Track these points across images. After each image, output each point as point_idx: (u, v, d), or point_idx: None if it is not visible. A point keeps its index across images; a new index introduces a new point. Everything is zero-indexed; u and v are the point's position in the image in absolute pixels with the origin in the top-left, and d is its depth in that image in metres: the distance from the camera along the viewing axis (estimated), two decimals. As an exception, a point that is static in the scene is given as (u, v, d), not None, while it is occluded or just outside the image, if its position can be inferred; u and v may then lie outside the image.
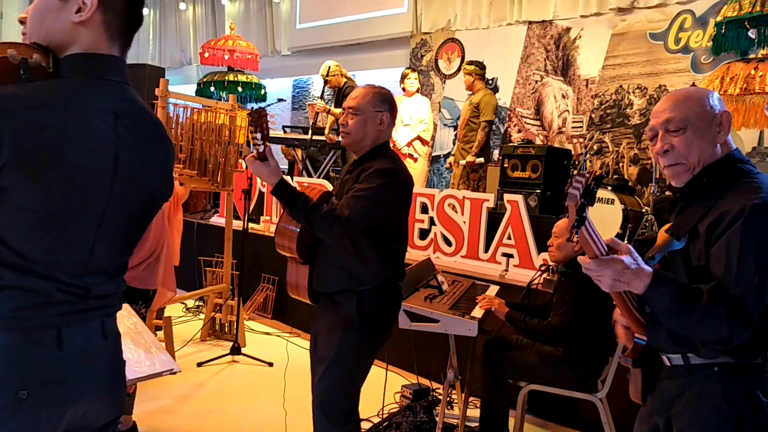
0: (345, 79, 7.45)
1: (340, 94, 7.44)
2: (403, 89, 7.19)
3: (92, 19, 1.41)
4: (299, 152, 7.87)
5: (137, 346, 2.64)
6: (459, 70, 8.67)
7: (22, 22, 1.47)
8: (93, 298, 1.43)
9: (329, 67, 7.28)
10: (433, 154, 8.66)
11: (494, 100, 6.85)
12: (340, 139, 3.08)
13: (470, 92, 6.97)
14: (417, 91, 7.23)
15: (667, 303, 1.64)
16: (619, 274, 1.61)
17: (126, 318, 2.66)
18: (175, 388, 4.43)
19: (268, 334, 5.96)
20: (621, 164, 7.18)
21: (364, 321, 2.67)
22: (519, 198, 5.00)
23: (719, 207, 1.72)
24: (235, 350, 5.15)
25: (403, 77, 7.19)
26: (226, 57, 9.09)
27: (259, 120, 2.42)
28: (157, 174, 1.54)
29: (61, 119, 1.31)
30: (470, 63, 6.99)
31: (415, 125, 7.05)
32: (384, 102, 2.76)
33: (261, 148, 2.47)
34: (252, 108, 2.75)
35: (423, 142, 7.14)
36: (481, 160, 6.73)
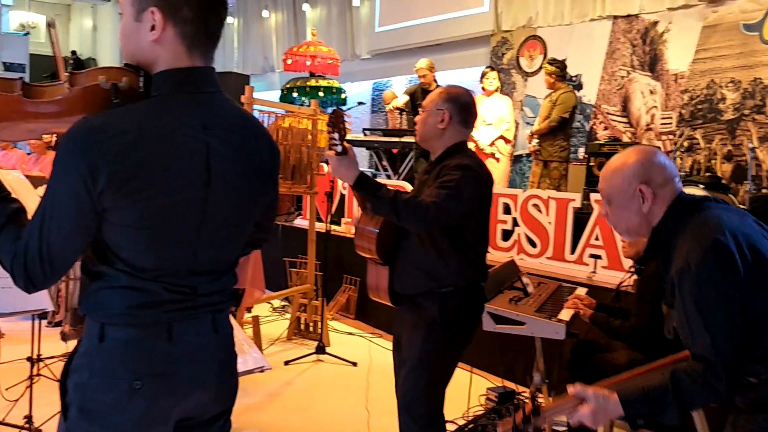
0: (436, 84, 7.48)
1: (424, 96, 7.46)
2: (483, 88, 7.13)
3: (165, 35, 1.43)
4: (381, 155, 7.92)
5: (229, 344, 2.72)
6: (541, 67, 8.52)
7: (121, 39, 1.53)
8: (201, 296, 1.49)
9: (424, 63, 7.37)
10: (515, 153, 8.55)
11: (573, 98, 6.69)
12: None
13: (551, 90, 6.85)
14: (496, 90, 7.16)
15: (647, 412, 1.75)
16: (594, 418, 1.77)
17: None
18: (264, 385, 4.54)
19: (351, 334, 6.02)
20: (713, 161, 6.89)
21: (446, 323, 2.66)
22: (606, 197, 4.86)
23: (673, 265, 1.81)
24: (320, 349, 5.23)
25: (483, 76, 7.13)
26: (308, 63, 9.25)
27: (336, 120, 2.45)
28: (257, 175, 1.56)
29: (149, 140, 1.37)
30: (551, 63, 6.85)
31: (497, 124, 6.97)
32: (447, 101, 2.73)
33: (339, 148, 2.49)
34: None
35: (506, 141, 7.07)
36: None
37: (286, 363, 5.05)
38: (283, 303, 6.78)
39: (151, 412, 1.43)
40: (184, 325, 1.47)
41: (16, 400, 3.79)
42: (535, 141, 6.68)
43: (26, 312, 3.08)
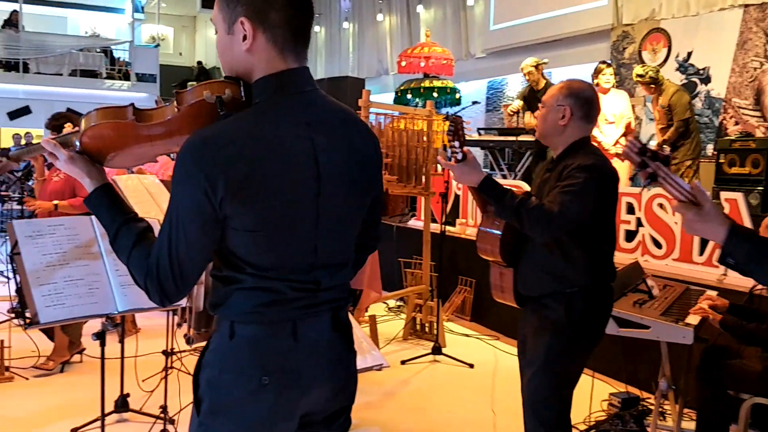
0: (545, 81, 7.31)
1: (534, 95, 7.31)
2: (597, 85, 6.78)
3: (257, 42, 1.47)
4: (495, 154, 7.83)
5: (349, 342, 2.78)
6: (666, 60, 8.18)
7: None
8: (323, 291, 1.54)
9: (530, 60, 7.22)
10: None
11: (686, 95, 6.34)
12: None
13: (654, 94, 6.48)
14: (612, 86, 6.80)
15: (745, 255, 1.67)
16: (695, 219, 1.67)
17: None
18: (381, 384, 4.60)
19: (467, 335, 5.99)
20: None
21: (573, 325, 2.59)
22: (738, 196, 4.60)
23: None
24: (436, 350, 5.24)
25: (597, 72, 6.76)
26: (422, 64, 9.29)
27: (456, 128, 2.45)
28: (363, 168, 1.60)
29: (257, 145, 1.42)
30: (641, 75, 6.44)
31: (619, 121, 6.70)
32: (568, 96, 2.66)
33: (459, 156, 2.50)
34: (447, 113, 2.80)
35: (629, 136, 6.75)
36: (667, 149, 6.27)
37: (403, 362, 5.09)
38: (399, 303, 6.84)
39: (278, 407, 1.49)
40: (307, 322, 1.52)
41: (152, 391, 4.03)
42: (666, 149, 6.37)
43: (162, 308, 3.26)
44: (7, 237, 2.86)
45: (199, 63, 20.37)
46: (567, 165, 2.60)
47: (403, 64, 9.41)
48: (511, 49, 10.68)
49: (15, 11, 16.91)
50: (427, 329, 5.83)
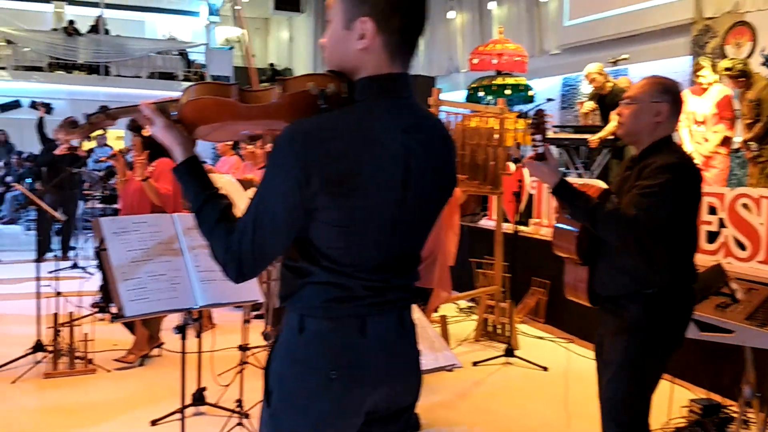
0: (611, 84, 7.10)
1: (602, 100, 7.12)
2: (697, 83, 6.44)
3: (374, 44, 1.48)
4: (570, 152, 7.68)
5: (422, 341, 2.77)
6: (750, 55, 7.84)
7: (322, 46, 1.59)
8: (391, 291, 1.56)
9: (594, 67, 7.01)
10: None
11: None
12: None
13: (742, 88, 6.15)
14: (713, 83, 6.43)
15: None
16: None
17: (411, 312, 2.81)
18: (453, 385, 4.58)
19: (540, 338, 5.90)
20: None
21: (652, 326, 2.52)
22: (830, 195, 4.37)
23: None
24: (509, 352, 5.17)
25: (696, 69, 6.41)
26: (495, 61, 9.19)
27: (539, 122, 2.43)
28: (444, 176, 1.62)
29: (357, 144, 1.44)
30: (729, 68, 6.11)
31: (711, 122, 6.35)
32: (664, 93, 2.58)
33: (540, 149, 2.48)
34: (523, 111, 2.76)
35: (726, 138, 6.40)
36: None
37: (475, 364, 5.04)
38: (470, 304, 6.79)
39: (345, 402, 1.51)
40: (375, 320, 1.53)
41: (227, 385, 4.12)
42: (753, 146, 6.08)
43: (239, 303, 3.33)
44: (93, 234, 2.96)
45: (271, 65, 20.73)
46: (648, 164, 2.53)
47: (475, 61, 9.33)
48: (587, 45, 10.45)
49: (99, 17, 17.61)
50: (499, 331, 5.76)
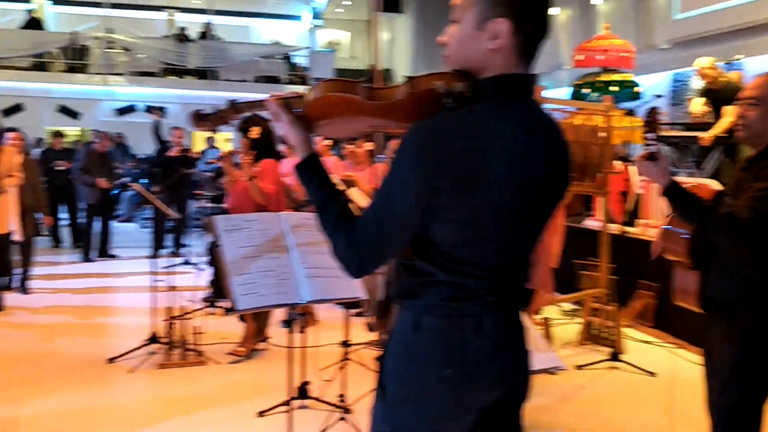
0: (724, 79, 6.75)
1: (714, 96, 6.78)
2: None
3: (506, 44, 1.49)
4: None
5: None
6: None
7: (442, 44, 1.60)
8: (506, 291, 1.55)
9: (705, 61, 6.69)
10: None
11: None
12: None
13: None
14: None
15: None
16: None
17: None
18: (556, 387, 4.48)
19: (648, 342, 5.69)
20: None
21: (765, 333, 2.38)
22: None
23: None
24: (615, 356, 5.02)
25: None
26: (600, 57, 8.94)
27: (653, 120, 2.35)
28: (561, 178, 1.61)
29: (482, 142, 1.44)
30: None
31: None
32: None
33: (653, 149, 2.41)
34: (630, 108, 2.67)
35: None
36: None
37: (579, 367, 4.92)
38: (574, 306, 6.63)
39: (459, 400, 1.52)
40: (490, 319, 1.53)
41: (330, 380, 4.20)
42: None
43: (343, 299, 3.39)
44: (202, 232, 3.09)
45: (372, 66, 20.95)
46: (766, 164, 2.39)
47: (580, 57, 9.11)
48: (698, 38, 10.00)
49: (208, 23, 18.36)
50: (604, 334, 5.59)
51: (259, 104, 1.72)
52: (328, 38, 21.97)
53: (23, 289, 6.93)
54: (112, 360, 4.85)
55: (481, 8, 1.49)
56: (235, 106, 1.79)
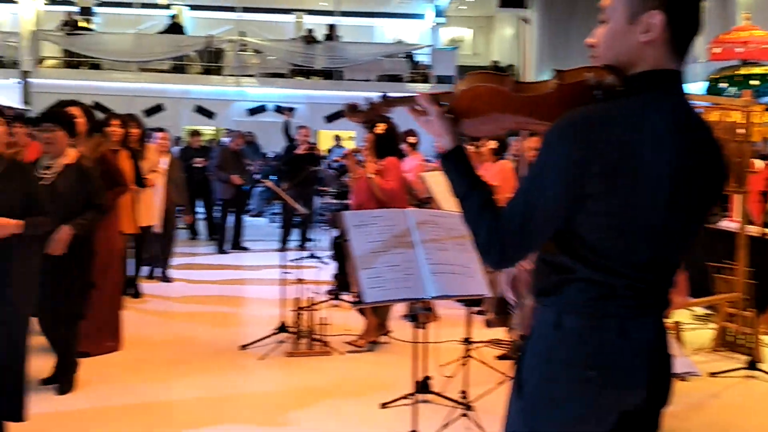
0: None
1: None
2: None
3: (660, 38, 1.47)
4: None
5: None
6: None
7: (591, 46, 1.60)
8: (652, 294, 1.52)
9: None
10: None
11: None
12: None
13: None
14: None
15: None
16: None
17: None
18: (686, 394, 4.30)
19: (789, 352, 5.34)
20: None
21: None
22: None
23: None
24: (752, 365, 4.74)
25: None
26: (739, 50, 8.44)
27: None
28: (717, 178, 1.56)
29: (635, 134, 1.43)
30: None
31: None
32: None
33: None
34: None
35: None
36: None
37: (712, 375, 4.69)
38: (707, 311, 6.31)
39: (600, 403, 1.49)
40: (633, 321, 1.49)
41: (451, 377, 4.24)
42: None
43: (469, 296, 3.42)
44: (327, 227, 3.22)
45: (495, 62, 20.76)
46: None
47: (717, 50, 8.64)
48: None
49: (332, 25, 18.83)
50: (740, 341, 5.30)
51: (409, 99, 1.77)
52: (450, 36, 21.96)
53: (165, 278, 7.41)
54: (244, 347, 5.11)
55: (632, 2, 1.48)
56: (387, 100, 1.86)
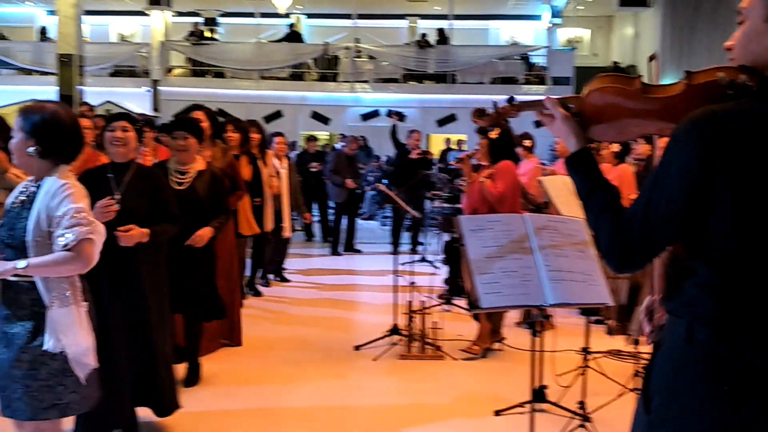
0: None
1: None
2: None
3: None
4: None
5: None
6: None
7: (728, 49, 1.55)
8: None
9: None
10: None
11: None
12: None
13: None
14: None
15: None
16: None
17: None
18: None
19: None
20: None
21: None
22: None
23: None
24: None
25: None
26: None
27: None
28: None
29: (760, 131, 1.37)
30: None
31: None
32: None
33: None
34: None
35: None
36: None
37: None
38: None
39: (734, 421, 1.40)
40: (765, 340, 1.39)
41: (568, 387, 4.11)
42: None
43: (589, 304, 3.32)
44: (438, 231, 3.19)
45: (615, 63, 20.09)
46: None
47: None
48: None
49: (441, 29, 18.83)
50: None
51: (536, 102, 1.77)
52: (567, 36, 21.46)
53: (282, 279, 7.63)
54: (357, 348, 5.18)
55: None
56: (513, 104, 1.85)
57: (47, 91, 13.61)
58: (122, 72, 19.22)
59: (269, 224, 6.58)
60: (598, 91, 1.61)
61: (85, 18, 12.82)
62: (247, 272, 6.73)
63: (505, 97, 1.91)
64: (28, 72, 18.79)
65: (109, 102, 15.37)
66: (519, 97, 1.87)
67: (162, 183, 3.63)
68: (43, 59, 17.37)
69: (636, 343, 4.41)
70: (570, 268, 2.99)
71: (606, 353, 4.90)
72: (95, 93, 14.55)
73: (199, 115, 4.82)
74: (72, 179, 2.52)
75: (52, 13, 17.63)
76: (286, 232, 7.09)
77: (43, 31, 19.86)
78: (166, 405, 3.55)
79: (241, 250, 5.82)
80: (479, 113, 1.91)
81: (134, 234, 3.21)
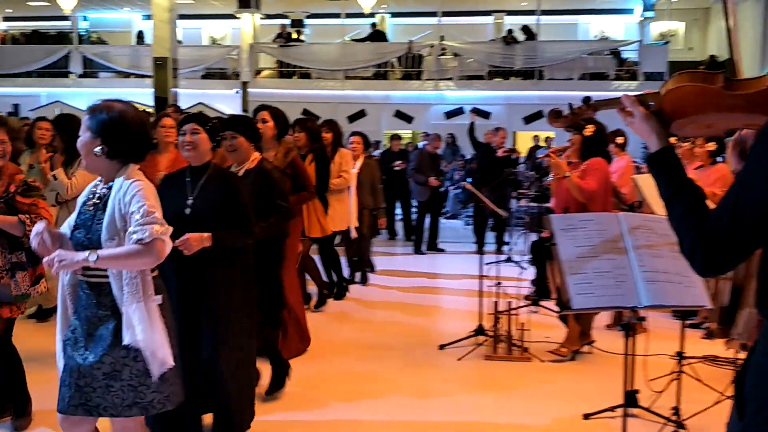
0: None
1: None
2: None
3: None
4: None
5: None
6: None
7: None
8: None
9: None
10: None
11: None
12: None
13: None
14: None
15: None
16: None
17: None
18: None
19: None
20: None
21: None
22: None
23: None
24: None
25: None
26: None
27: None
28: None
29: None
30: None
31: None
32: None
33: None
34: None
35: None
36: None
37: None
38: None
39: None
40: None
41: (661, 392, 3.97)
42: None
43: (686, 307, 3.19)
44: (525, 231, 3.13)
45: (712, 57, 19.24)
46: None
47: None
48: None
49: (526, 26, 18.49)
50: None
51: (613, 101, 1.72)
52: (660, 30, 20.70)
53: (363, 281, 7.61)
54: (442, 347, 5.17)
55: None
56: (589, 104, 1.81)
57: (144, 93, 14.17)
58: (213, 74, 19.82)
59: (341, 224, 6.51)
60: (676, 90, 1.55)
61: (178, 22, 13.30)
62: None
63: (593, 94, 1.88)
64: (126, 75, 19.63)
65: (201, 104, 15.86)
66: (609, 94, 1.82)
67: (235, 187, 3.41)
68: (140, 62, 18.15)
69: (744, 348, 4.20)
70: (665, 268, 2.87)
71: (702, 359, 4.70)
72: (188, 95, 15.09)
73: (264, 114, 4.73)
74: (142, 177, 2.53)
75: (148, 17, 18.35)
76: (354, 233, 6.91)
77: (140, 35, 20.74)
78: (236, 420, 3.43)
79: (307, 252, 5.76)
80: (555, 115, 1.87)
81: (192, 243, 3.09)
